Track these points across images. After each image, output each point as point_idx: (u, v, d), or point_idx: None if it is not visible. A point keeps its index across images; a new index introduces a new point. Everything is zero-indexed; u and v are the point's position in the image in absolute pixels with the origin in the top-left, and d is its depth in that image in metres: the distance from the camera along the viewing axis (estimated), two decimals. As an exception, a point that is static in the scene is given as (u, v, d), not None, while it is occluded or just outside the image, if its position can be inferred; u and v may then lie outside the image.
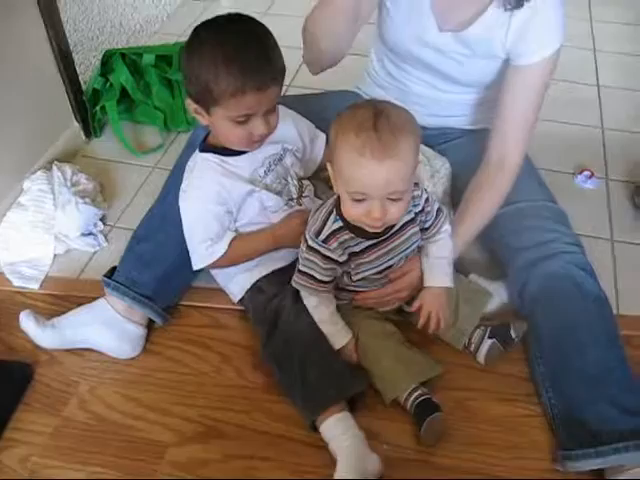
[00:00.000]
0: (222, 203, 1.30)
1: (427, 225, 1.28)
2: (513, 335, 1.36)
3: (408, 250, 1.29)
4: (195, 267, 1.37)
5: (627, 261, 1.65)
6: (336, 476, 1.18)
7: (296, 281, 1.28)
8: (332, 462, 1.21)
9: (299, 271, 1.27)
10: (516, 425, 1.32)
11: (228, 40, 1.17)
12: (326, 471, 1.23)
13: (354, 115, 1.09)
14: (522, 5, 1.27)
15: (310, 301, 1.31)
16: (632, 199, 1.81)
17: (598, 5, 2.78)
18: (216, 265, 1.38)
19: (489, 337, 1.37)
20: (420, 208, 1.25)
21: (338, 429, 1.22)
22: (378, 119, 1.06)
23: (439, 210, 1.28)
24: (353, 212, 1.15)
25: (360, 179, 1.09)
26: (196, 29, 1.21)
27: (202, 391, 1.39)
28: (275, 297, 1.35)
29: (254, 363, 1.41)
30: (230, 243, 1.34)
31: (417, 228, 1.27)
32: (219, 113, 1.21)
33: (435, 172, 1.56)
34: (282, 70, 1.22)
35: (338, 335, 1.33)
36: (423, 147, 1.55)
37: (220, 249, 1.33)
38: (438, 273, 1.31)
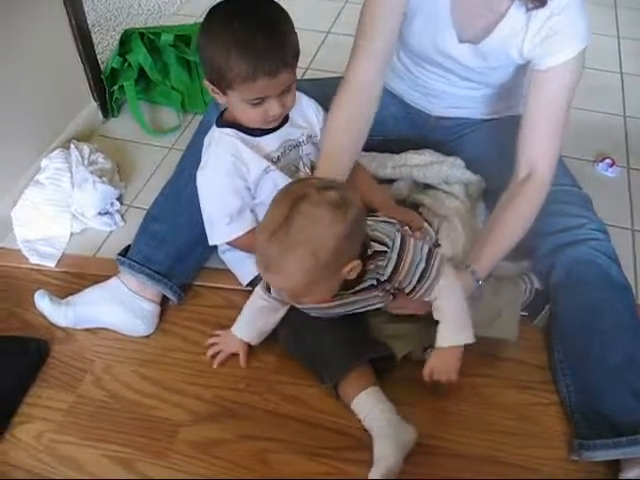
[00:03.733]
0: (241, 176, 1.29)
1: (408, 290, 1.17)
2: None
3: (366, 308, 1.24)
4: (211, 243, 1.36)
5: (647, 251, 1.63)
6: (376, 454, 1.18)
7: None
8: (344, 443, 1.24)
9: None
10: (531, 413, 1.32)
11: (240, 25, 1.15)
12: (338, 453, 1.24)
13: (273, 204, 1.06)
14: (545, 3, 1.20)
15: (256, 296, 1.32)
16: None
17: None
18: (232, 244, 1.37)
19: None
20: (385, 277, 1.15)
21: (368, 404, 1.23)
22: (279, 229, 1.01)
23: (422, 277, 1.14)
24: None
25: (259, 270, 1.10)
26: (210, 12, 1.20)
27: (216, 371, 1.39)
28: None
29: (267, 344, 1.40)
30: (249, 231, 1.32)
31: (382, 293, 1.20)
32: (234, 95, 1.21)
33: (467, 184, 1.55)
34: (295, 54, 1.20)
35: (240, 326, 1.36)
36: (456, 161, 1.54)
37: (239, 229, 1.31)
38: (445, 332, 1.19)
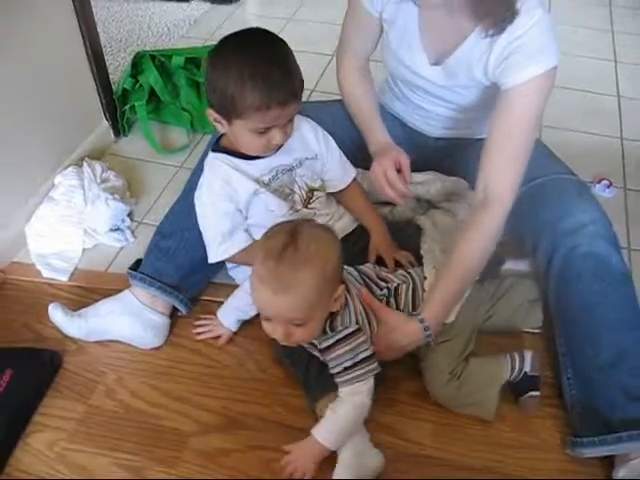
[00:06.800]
0: (230, 200, 1.34)
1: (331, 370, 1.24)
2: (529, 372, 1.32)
3: None
4: (210, 261, 1.40)
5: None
6: (335, 474, 1.22)
7: None
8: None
9: None
10: (530, 425, 1.34)
11: (254, 56, 1.20)
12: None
13: (269, 238, 1.14)
14: (504, 30, 1.21)
15: None
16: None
17: (620, 16, 2.80)
18: (232, 260, 1.43)
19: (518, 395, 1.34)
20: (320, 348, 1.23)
21: None
22: (285, 250, 1.09)
23: (345, 370, 1.21)
24: (264, 325, 1.19)
25: (260, 303, 1.16)
26: (222, 42, 1.25)
27: (224, 383, 1.43)
28: None
29: (275, 357, 1.45)
30: (244, 247, 1.37)
31: None
32: (240, 124, 1.24)
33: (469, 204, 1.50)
34: (302, 86, 1.26)
35: (223, 313, 1.50)
36: (459, 180, 1.56)
37: (231, 249, 1.36)
38: (324, 426, 1.23)
